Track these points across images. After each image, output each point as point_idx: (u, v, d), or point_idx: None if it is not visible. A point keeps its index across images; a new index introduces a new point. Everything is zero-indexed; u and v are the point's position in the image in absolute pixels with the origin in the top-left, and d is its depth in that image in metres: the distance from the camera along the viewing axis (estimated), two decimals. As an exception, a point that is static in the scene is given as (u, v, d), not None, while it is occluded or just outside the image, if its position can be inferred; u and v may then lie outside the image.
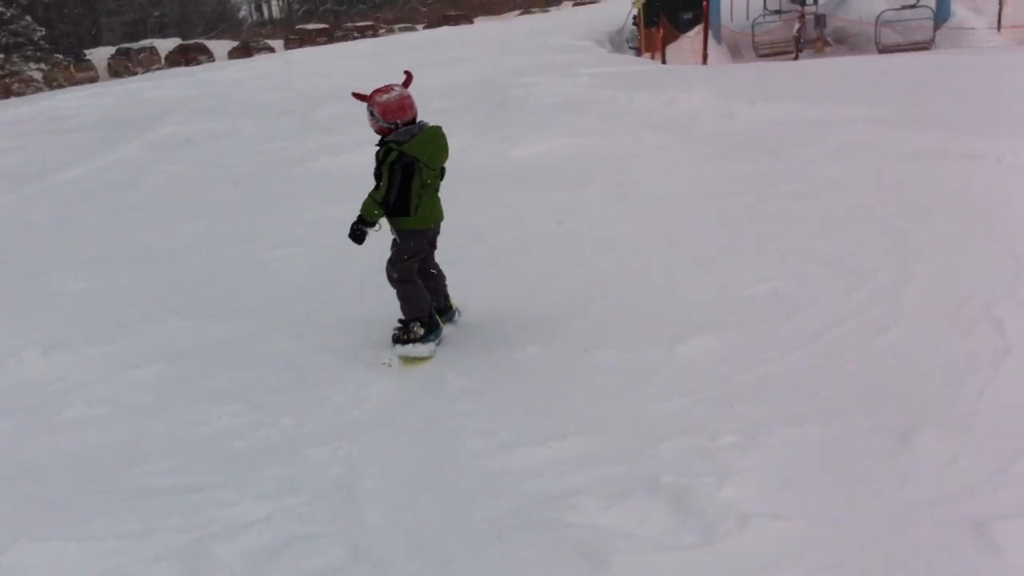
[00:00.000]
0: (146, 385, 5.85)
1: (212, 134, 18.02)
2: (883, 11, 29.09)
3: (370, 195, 5.69)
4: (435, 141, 5.76)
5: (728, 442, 4.32)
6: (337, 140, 15.38)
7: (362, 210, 5.72)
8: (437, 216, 5.97)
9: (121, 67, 54.43)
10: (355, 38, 57.93)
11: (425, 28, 62.63)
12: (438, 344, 6.03)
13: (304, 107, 21.01)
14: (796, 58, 23.51)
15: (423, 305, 5.97)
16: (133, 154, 16.31)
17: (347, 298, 7.16)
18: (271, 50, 57.41)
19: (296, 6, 79.44)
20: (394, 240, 5.91)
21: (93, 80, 51.22)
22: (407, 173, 5.63)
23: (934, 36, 28.61)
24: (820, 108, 13.47)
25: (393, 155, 5.60)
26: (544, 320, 6.28)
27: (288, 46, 59.56)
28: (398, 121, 5.70)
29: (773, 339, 5.58)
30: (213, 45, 60.54)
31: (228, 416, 5.25)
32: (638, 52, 38.44)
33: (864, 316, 5.75)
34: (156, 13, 71.49)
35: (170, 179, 13.44)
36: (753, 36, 29.82)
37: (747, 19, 38.99)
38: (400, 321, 6.03)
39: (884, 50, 27.28)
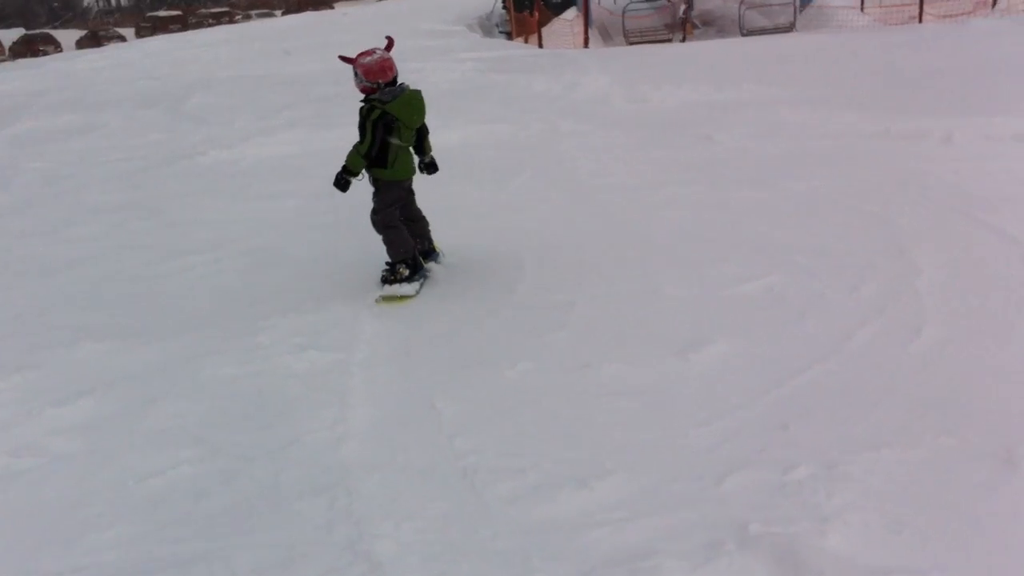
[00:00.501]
0: (75, 426, 4.84)
1: (77, 128, 16.58)
2: None
3: (355, 148, 6.22)
4: (413, 104, 6.28)
5: (805, 474, 3.71)
6: (220, 132, 14.28)
7: (347, 161, 6.22)
8: (410, 171, 6.52)
9: (-41, 59, 50.95)
10: (210, 25, 55.58)
11: (283, 14, 60.65)
12: (422, 284, 6.57)
13: (172, 97, 19.67)
14: (684, 40, 23.22)
15: (407, 248, 6.52)
16: (-5, 152, 14.83)
17: (288, 308, 6.27)
18: (122, 39, 54.55)
19: (144, -7, 76.27)
20: (374, 192, 6.48)
21: (-71, 73, 47.72)
22: (387, 130, 6.17)
23: (795, 19, 28.93)
24: (732, 90, 13.14)
25: (376, 112, 6.14)
26: (519, 330, 5.58)
27: (140, 34, 56.73)
28: (380, 81, 6.20)
29: (794, 344, 5.01)
30: (60, 35, 57.22)
31: (186, 463, 4.34)
32: (509, 36, 37.92)
33: (887, 316, 5.24)
34: (-7, 1, 67.42)
35: (43, 178, 12.11)
36: (624, 23, 29.53)
37: (614, 2, 39.02)
38: (387, 264, 6.56)
39: (749, 33, 27.35)
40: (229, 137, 13.46)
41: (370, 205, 6.53)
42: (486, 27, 40.62)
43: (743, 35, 27.09)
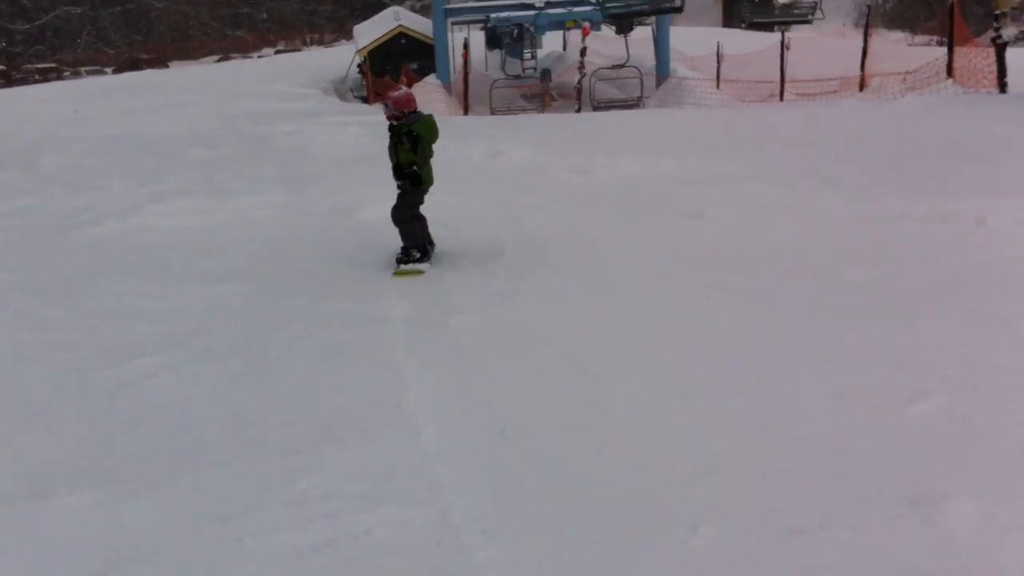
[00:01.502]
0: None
1: (-87, 190, 14.36)
2: (597, 68, 29.53)
3: (403, 158, 8.10)
4: (432, 124, 8.14)
5: None
6: (101, 197, 12.45)
7: (406, 168, 8.14)
8: (432, 181, 8.32)
9: None
10: (37, 81, 52.01)
11: (115, 72, 57.50)
12: (429, 263, 8.28)
13: (20, 156, 17.56)
14: (578, 111, 22.58)
15: (420, 237, 8.37)
16: None
17: (317, 436, 4.73)
18: (-65, 93, 50.44)
19: (-42, 46, 71.00)
20: (401, 194, 8.29)
21: None
22: (413, 144, 8.00)
23: (642, 93, 28.98)
24: (673, 162, 12.32)
25: (405, 129, 8.01)
26: (594, 478, 4.29)
27: (-45, 88, 52.60)
28: (405, 111, 8.04)
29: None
30: None
31: None
32: (365, 100, 36.84)
33: None
34: None
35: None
36: (491, 97, 28.93)
37: (485, 70, 38.56)
38: (402, 248, 8.32)
39: (598, 106, 27.18)
40: (115, 204, 11.69)
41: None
42: (340, 91, 39.28)
43: (593, 108, 26.92)
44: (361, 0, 73.35)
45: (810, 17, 27.57)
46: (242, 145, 17.14)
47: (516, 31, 33.14)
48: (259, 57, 61.89)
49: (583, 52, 20.77)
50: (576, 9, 32.92)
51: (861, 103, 19.16)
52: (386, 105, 8.08)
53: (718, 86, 29.13)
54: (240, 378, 5.67)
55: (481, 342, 6.20)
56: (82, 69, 58.15)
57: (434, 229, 8.73)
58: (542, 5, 33.10)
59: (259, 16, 75.99)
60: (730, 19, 52.53)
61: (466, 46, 26.21)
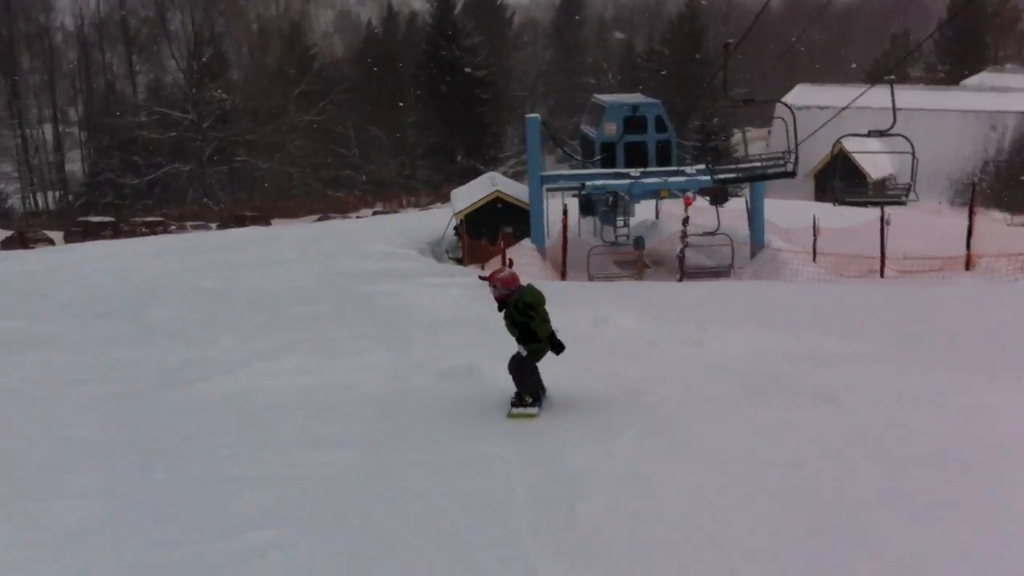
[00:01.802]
0: None
1: (27, 338, 14.46)
2: (688, 235, 29.58)
3: (534, 338, 8.68)
4: (537, 293, 8.81)
5: None
6: (207, 352, 12.36)
7: (535, 344, 8.71)
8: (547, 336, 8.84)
9: None
10: (144, 233, 53.85)
11: (219, 227, 59.36)
12: (540, 408, 8.75)
13: (128, 306, 17.76)
14: (680, 280, 22.22)
15: (534, 384, 8.85)
16: (-65, 362, 12.61)
17: None
18: (50, 241, 52.46)
19: (72, 198, 74.20)
20: (518, 352, 8.78)
21: None
22: (529, 315, 8.59)
23: (733, 262, 28.75)
24: (787, 338, 11.79)
25: (520, 305, 8.61)
26: None
27: (69, 239, 54.63)
28: (511, 288, 8.68)
29: None
30: (-20, 233, 54.92)
31: None
32: (460, 262, 37.23)
33: None
34: (-88, 196, 64.88)
35: (9, 399, 9.99)
36: (588, 263, 29.02)
37: (579, 235, 38.89)
38: (516, 394, 8.80)
39: (688, 273, 26.89)
40: (222, 360, 11.55)
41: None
42: (436, 252, 39.83)
43: (679, 279, 26.69)
44: (456, 166, 75.31)
45: (904, 199, 27.29)
46: (344, 303, 17.14)
47: (611, 199, 33.44)
48: (357, 217, 63.48)
49: (685, 222, 20.59)
50: (671, 180, 33.22)
51: (976, 283, 18.50)
52: (494, 287, 8.75)
53: (814, 259, 28.72)
54: (357, 560, 5.23)
55: (613, 533, 5.69)
56: (187, 224, 60.25)
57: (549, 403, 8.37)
58: (637, 175, 33.46)
59: (358, 178, 78.42)
60: (821, 193, 52.55)
61: (565, 212, 26.36)
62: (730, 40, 18.65)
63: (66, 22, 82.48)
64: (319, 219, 62.89)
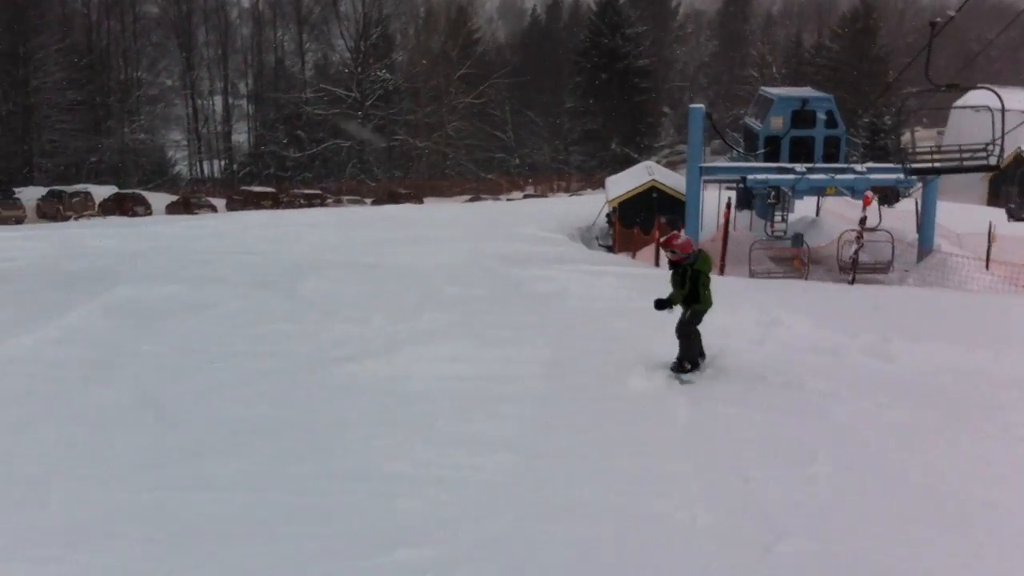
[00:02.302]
0: None
1: (185, 304, 14.31)
2: (845, 231, 27.92)
3: (677, 292, 9.63)
4: (707, 260, 9.67)
5: None
6: (359, 331, 11.87)
7: (672, 298, 9.67)
8: (711, 303, 9.74)
9: (52, 209, 49.96)
10: (301, 205, 54.83)
11: (373, 203, 59.98)
12: (698, 372, 9.59)
13: (284, 278, 17.55)
14: (852, 282, 20.58)
15: (695, 353, 9.71)
16: (93, 322, 12.48)
17: None
18: (213, 208, 53.88)
19: (236, 167, 76.30)
20: (685, 313, 9.68)
21: (20, 220, 46.81)
22: (694, 281, 9.50)
23: (893, 260, 27.24)
24: (993, 356, 10.47)
25: (691, 271, 9.49)
26: None
27: (231, 206, 56.06)
28: (688, 252, 9.57)
29: None
30: (152, 197, 56.77)
31: None
32: (611, 249, 36.32)
33: None
34: (92, 159, 67.59)
35: (158, 369, 9.65)
36: (750, 258, 27.80)
37: (734, 229, 37.48)
38: (677, 359, 9.64)
39: (844, 267, 25.61)
40: (375, 341, 11.01)
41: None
42: (585, 239, 38.98)
43: (840, 269, 25.22)
44: (610, 153, 74.19)
45: None
46: (496, 286, 16.49)
47: (773, 193, 31.93)
48: (508, 199, 63.20)
49: (863, 222, 19.11)
50: (839, 177, 31.40)
51: None
52: (672, 251, 9.54)
53: (987, 267, 26.64)
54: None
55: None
56: (344, 198, 61.11)
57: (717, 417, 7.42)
58: (803, 171, 31.80)
59: (512, 161, 78.24)
60: (996, 198, 49.42)
61: (729, 205, 25.12)
62: (937, 19, 16.97)
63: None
64: (470, 199, 62.89)
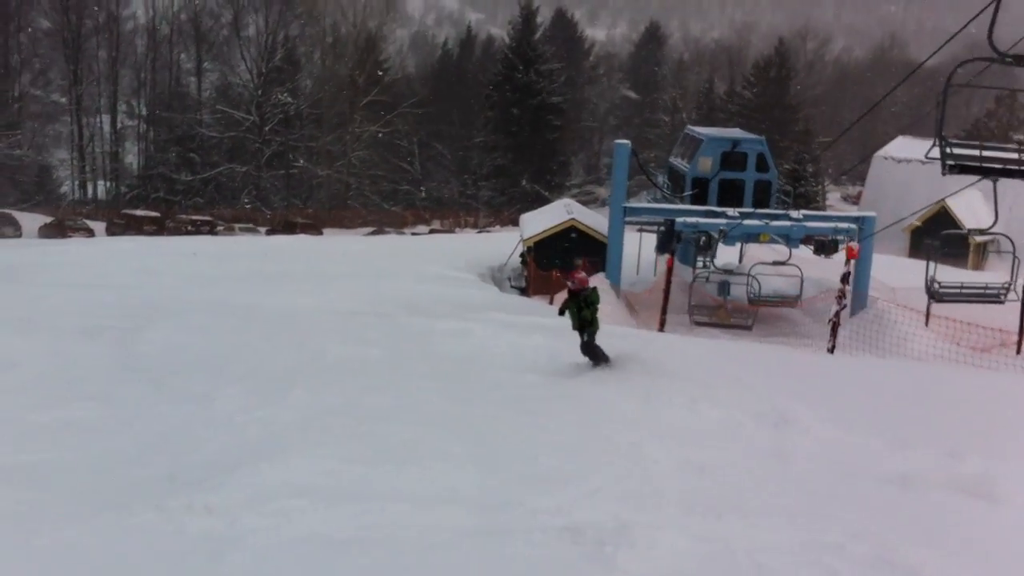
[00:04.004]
0: None
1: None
2: (756, 263, 27.16)
3: (574, 317, 11.42)
4: (597, 295, 11.51)
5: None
6: (189, 422, 7.95)
7: (573, 323, 11.46)
8: (598, 325, 11.49)
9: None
10: (188, 232, 49.90)
11: (268, 232, 55.27)
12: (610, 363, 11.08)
13: (128, 322, 13.70)
14: (831, 350, 16.88)
15: (604, 356, 11.33)
16: None
17: None
18: (89, 232, 48.69)
19: (124, 190, 70.47)
20: (583, 336, 11.40)
21: None
22: (593, 309, 11.36)
23: (801, 294, 26.46)
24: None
25: (587, 301, 11.33)
26: None
27: (111, 231, 50.91)
28: (584, 287, 11.48)
29: None
30: (24, 217, 51.25)
31: None
32: (524, 292, 32.88)
33: None
34: (-35, 173, 61.46)
35: None
36: (690, 298, 24.89)
37: (636, 274, 34.55)
38: (592, 364, 11.31)
39: (755, 299, 25.91)
40: (204, 448, 7.09)
41: None
42: (497, 279, 35.43)
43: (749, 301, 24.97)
44: (519, 190, 71.02)
45: (1002, 298, 23.30)
46: (396, 345, 12.72)
47: (703, 239, 28.87)
48: (413, 234, 59.26)
49: (845, 279, 15.70)
50: (774, 223, 28.52)
51: None
52: (572, 281, 11.59)
53: (927, 323, 23.91)
54: None
55: None
56: (236, 226, 56.10)
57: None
58: (736, 215, 28.87)
59: (417, 194, 74.20)
60: (916, 251, 47.38)
61: (673, 251, 21.79)
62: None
63: (138, 13, 79.14)
64: (373, 232, 58.74)
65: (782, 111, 75.73)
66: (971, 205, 47.10)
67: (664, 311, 19.48)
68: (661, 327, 19.37)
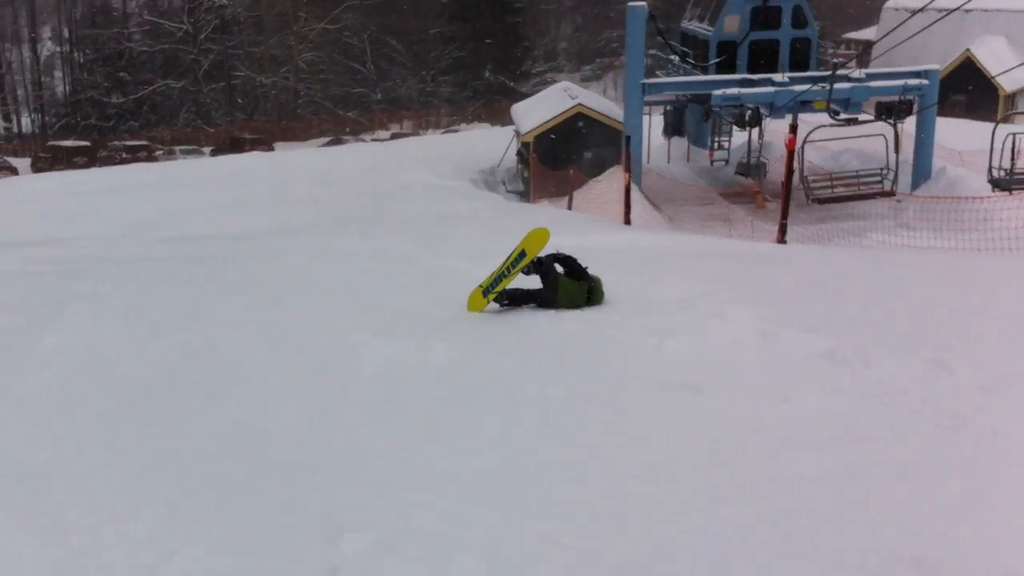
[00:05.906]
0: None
1: None
2: (815, 128, 21.47)
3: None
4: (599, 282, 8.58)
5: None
6: None
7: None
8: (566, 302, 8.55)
9: None
10: (123, 161, 43.55)
11: (213, 152, 49.03)
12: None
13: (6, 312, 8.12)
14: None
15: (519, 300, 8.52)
16: None
17: None
18: (13, 171, 42.38)
19: (51, 120, 63.42)
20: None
21: None
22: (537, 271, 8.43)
23: (888, 169, 21.57)
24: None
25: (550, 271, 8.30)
26: None
27: (36, 167, 44.57)
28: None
29: None
30: (-65, 157, 44.78)
31: None
32: (522, 196, 27.82)
33: None
34: None
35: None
36: (802, 174, 20.26)
37: (667, 162, 29.79)
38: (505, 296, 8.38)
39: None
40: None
41: None
42: (490, 183, 30.13)
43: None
44: (483, 82, 64.89)
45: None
46: (445, 328, 7.47)
47: (749, 114, 23.54)
48: (374, 140, 53.22)
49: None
50: (836, 86, 23.21)
51: None
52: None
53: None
54: None
55: None
56: (177, 148, 49.46)
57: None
58: (784, 80, 23.61)
59: (373, 97, 67.57)
60: (941, 107, 42.62)
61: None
62: None
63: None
64: (329, 142, 52.61)
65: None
66: (996, 51, 42.56)
67: (627, 201, 14.40)
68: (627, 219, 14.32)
